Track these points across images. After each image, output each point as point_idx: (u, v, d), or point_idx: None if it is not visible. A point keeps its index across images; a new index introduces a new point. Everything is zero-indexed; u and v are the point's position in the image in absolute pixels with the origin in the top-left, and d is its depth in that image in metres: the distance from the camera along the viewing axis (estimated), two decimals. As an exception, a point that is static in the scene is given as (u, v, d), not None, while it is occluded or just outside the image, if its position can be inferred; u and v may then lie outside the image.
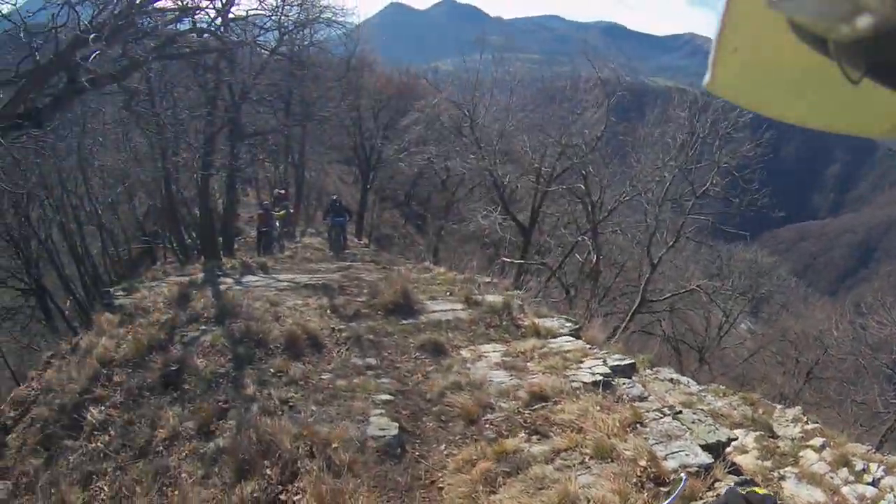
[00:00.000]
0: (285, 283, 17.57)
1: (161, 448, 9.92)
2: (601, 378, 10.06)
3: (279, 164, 42.02)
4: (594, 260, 28.80)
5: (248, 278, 18.81)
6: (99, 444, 10.83)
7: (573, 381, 9.93)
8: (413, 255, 36.32)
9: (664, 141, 30.82)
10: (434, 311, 14.07)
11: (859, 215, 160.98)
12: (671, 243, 31.21)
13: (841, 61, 0.91)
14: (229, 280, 18.45)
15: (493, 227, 32.96)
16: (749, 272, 41.82)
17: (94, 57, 12.56)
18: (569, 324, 13.67)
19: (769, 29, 0.97)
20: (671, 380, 14.58)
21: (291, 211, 34.35)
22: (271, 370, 10.94)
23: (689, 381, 15.13)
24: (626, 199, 31.76)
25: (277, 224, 30.23)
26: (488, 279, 18.09)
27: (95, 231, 34.04)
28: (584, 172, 28.59)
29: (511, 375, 10.47)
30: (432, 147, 41.18)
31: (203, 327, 13.36)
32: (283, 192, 33.65)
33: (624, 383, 10.24)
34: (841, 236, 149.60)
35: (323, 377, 10.66)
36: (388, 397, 9.84)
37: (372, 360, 11.53)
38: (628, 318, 29.62)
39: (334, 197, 30.84)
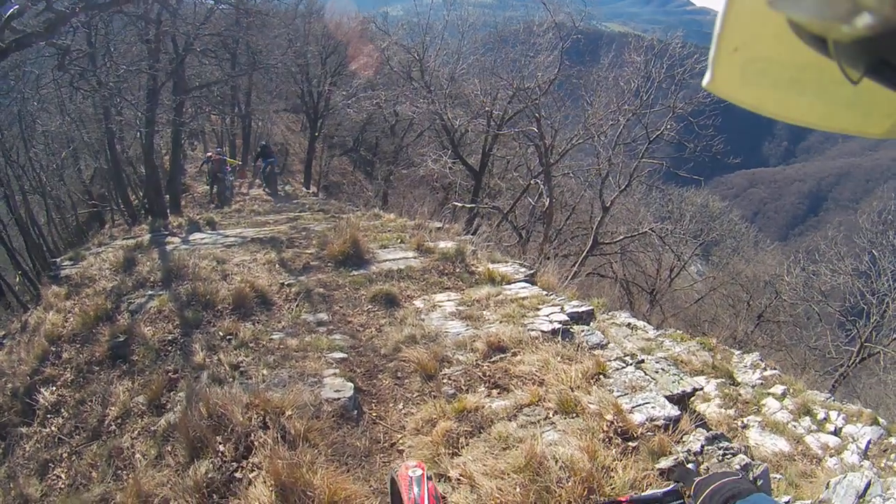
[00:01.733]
0: (232, 239, 17.24)
1: (114, 427, 9.48)
2: (560, 326, 9.81)
3: (226, 116, 41.23)
4: (547, 203, 28.47)
5: (195, 236, 18.55)
6: (53, 427, 10.46)
7: (531, 329, 9.66)
8: (362, 202, 35.95)
9: (618, 86, 30.48)
10: (385, 261, 13.71)
11: (810, 165, 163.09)
12: (623, 187, 31.18)
13: (841, 61, 0.89)
14: (176, 239, 18.20)
15: (444, 172, 32.61)
16: (700, 216, 42.06)
17: (14, 12, 11.95)
18: (523, 269, 13.37)
19: (769, 28, 0.96)
20: (628, 325, 14.44)
21: (238, 163, 34.09)
22: (220, 333, 10.49)
23: (645, 326, 15.01)
24: (579, 143, 31.42)
25: (230, 169, 30.54)
26: (439, 224, 17.75)
27: (41, 199, 33.39)
28: (536, 115, 28.10)
29: (467, 325, 10.16)
30: (381, 92, 40.51)
31: (150, 292, 12.91)
32: (214, 153, 32.75)
33: (583, 331, 9.99)
34: (791, 185, 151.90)
35: (273, 337, 10.25)
36: (341, 355, 9.43)
37: (323, 316, 11.15)
38: (580, 260, 29.56)
39: (263, 142, 33.99)
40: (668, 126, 30.41)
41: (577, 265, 28.48)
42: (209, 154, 32.08)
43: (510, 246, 27.41)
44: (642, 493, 4.07)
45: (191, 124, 31.43)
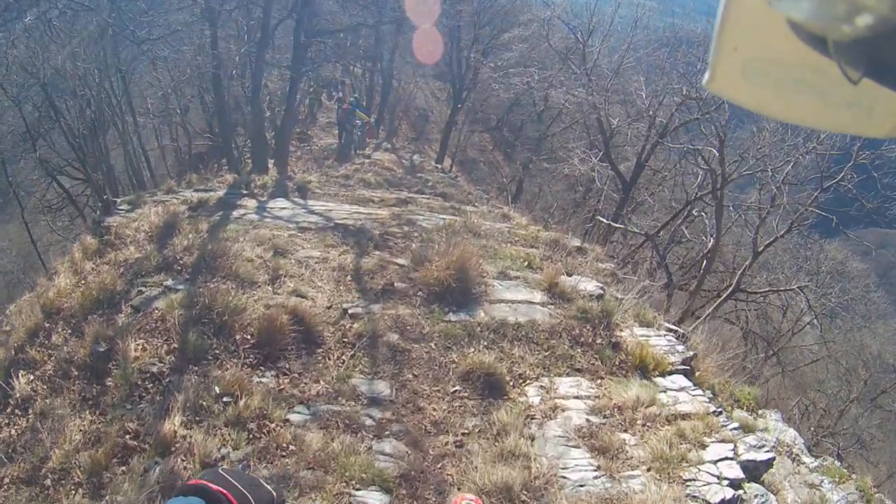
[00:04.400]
0: (315, 218, 13.74)
1: (49, 481, 6.68)
2: (732, 493, 6.25)
3: (364, 71, 38.97)
4: (711, 243, 24.33)
5: (275, 203, 15.30)
6: (13, 431, 7.82)
7: (693, 495, 6.02)
8: (495, 186, 32.83)
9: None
10: (501, 301, 9.79)
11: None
12: (782, 233, 27.15)
13: (841, 61, 0.93)
14: (251, 203, 15.03)
15: (590, 175, 28.91)
16: (836, 273, 38.67)
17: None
18: (680, 347, 9.59)
19: (769, 28, 0.99)
20: (789, 453, 10.71)
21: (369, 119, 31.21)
22: (218, 388, 6.98)
23: (795, 439, 11.42)
24: (748, 173, 27.35)
25: (358, 123, 28.22)
26: (579, 243, 14.09)
27: (160, 126, 33.10)
28: (720, 135, 24.06)
29: (597, 469, 6.36)
30: (534, 70, 36.97)
31: (169, 282, 9.59)
32: (347, 101, 30.31)
33: (756, 496, 6.58)
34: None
35: (291, 417, 6.68)
36: (379, 499, 5.70)
37: (383, 388, 7.51)
38: (717, 305, 25.84)
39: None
40: (850, 176, 26.06)
41: (712, 308, 25.14)
42: (341, 98, 30.15)
43: (653, 285, 23.65)
44: None
45: (310, 71, 28.49)
